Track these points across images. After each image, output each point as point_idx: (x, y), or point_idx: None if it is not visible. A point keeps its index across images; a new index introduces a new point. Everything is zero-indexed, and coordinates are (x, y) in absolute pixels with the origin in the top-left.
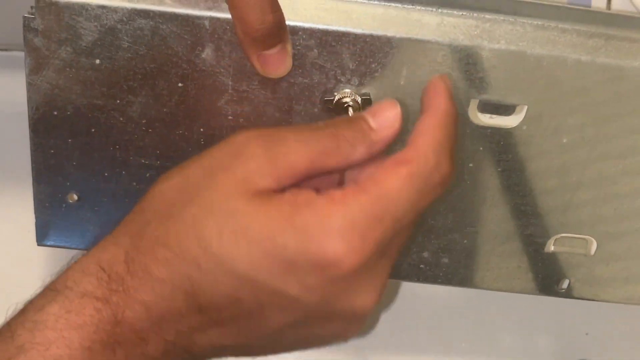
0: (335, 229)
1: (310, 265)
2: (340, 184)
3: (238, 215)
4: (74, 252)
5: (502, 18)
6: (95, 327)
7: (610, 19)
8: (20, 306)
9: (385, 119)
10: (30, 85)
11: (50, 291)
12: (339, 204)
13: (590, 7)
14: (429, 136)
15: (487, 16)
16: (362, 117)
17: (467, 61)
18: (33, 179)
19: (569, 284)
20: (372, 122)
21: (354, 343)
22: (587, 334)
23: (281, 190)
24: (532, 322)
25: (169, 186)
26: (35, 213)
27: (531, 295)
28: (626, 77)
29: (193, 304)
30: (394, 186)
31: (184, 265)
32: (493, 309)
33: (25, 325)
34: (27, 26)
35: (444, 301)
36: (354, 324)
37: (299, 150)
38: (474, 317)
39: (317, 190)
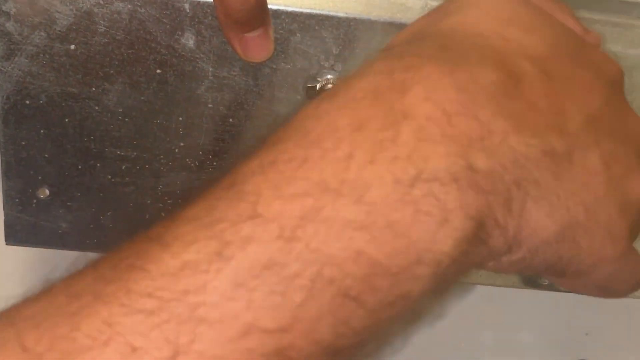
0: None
1: (591, 59)
2: None
3: (528, 3)
4: (44, 251)
5: None
6: (371, 101)
7: (593, 2)
8: None
9: None
10: (0, 72)
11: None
12: None
13: None
14: None
15: None
16: None
17: None
18: (2, 174)
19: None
20: None
21: None
22: (587, 334)
23: None
24: (532, 322)
25: None
26: (4, 210)
27: (531, 294)
28: None
29: (505, 70)
30: None
31: (484, 40)
32: (493, 308)
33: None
34: None
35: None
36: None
37: None
38: (472, 317)
39: None
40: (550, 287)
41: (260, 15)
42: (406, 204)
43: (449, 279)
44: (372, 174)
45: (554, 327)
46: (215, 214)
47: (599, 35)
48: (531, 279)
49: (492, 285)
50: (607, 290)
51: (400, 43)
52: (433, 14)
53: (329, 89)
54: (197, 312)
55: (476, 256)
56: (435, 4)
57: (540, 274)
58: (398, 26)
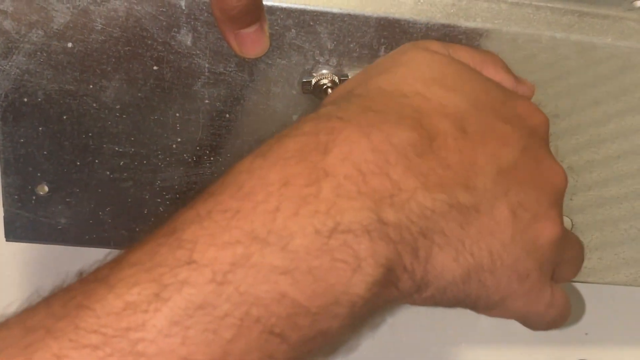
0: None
1: (515, 110)
2: None
3: (454, 63)
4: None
5: None
6: (298, 159)
7: None
8: None
9: None
10: None
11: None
12: None
13: None
14: None
15: None
16: None
17: (444, 40)
18: (2, 171)
19: None
20: None
21: None
22: (587, 334)
23: None
24: None
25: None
26: (3, 206)
27: None
28: (598, 53)
29: (421, 130)
30: None
31: (406, 100)
32: None
33: (220, 177)
34: None
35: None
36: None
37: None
38: (471, 319)
39: None
40: None
41: (256, 12)
42: (325, 253)
43: (363, 316)
44: (296, 226)
45: None
46: (156, 259)
47: (532, 86)
48: None
49: None
50: (526, 322)
51: (335, 100)
52: (369, 70)
53: (264, 144)
54: (137, 347)
55: (388, 295)
56: None
57: (453, 307)
58: (391, 21)
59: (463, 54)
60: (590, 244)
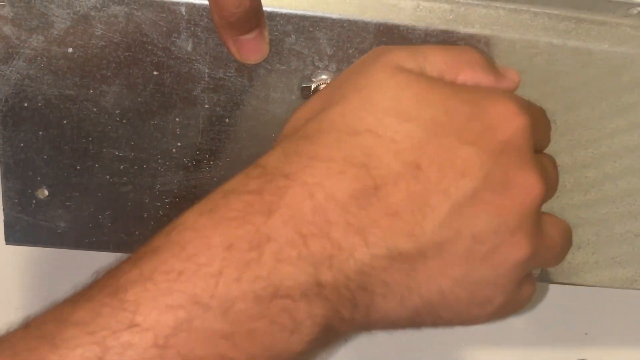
0: (502, 94)
1: (485, 123)
2: None
3: (413, 84)
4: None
5: (476, 2)
6: (242, 221)
7: (579, 2)
8: None
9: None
10: None
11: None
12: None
13: None
14: None
15: (462, 0)
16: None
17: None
18: (2, 175)
19: (541, 269)
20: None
21: None
22: (586, 334)
23: None
24: (531, 322)
25: (315, 98)
26: (4, 210)
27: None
28: (595, 59)
29: (366, 178)
30: None
31: (356, 139)
32: None
33: (164, 230)
34: None
35: None
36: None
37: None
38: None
39: None
40: (542, 279)
41: (255, 18)
42: (264, 317)
43: None
44: (238, 291)
45: (553, 327)
46: (99, 320)
47: (514, 77)
48: None
49: None
50: None
51: (289, 134)
52: (328, 94)
53: (210, 199)
54: None
55: (328, 339)
56: (427, 4)
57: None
58: (390, 27)
59: (436, 58)
60: (587, 247)
